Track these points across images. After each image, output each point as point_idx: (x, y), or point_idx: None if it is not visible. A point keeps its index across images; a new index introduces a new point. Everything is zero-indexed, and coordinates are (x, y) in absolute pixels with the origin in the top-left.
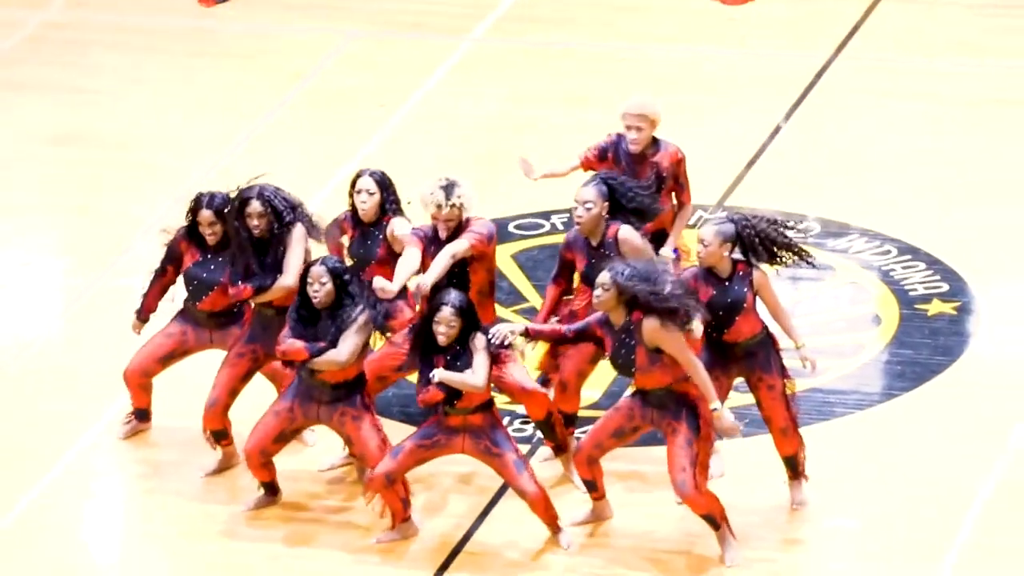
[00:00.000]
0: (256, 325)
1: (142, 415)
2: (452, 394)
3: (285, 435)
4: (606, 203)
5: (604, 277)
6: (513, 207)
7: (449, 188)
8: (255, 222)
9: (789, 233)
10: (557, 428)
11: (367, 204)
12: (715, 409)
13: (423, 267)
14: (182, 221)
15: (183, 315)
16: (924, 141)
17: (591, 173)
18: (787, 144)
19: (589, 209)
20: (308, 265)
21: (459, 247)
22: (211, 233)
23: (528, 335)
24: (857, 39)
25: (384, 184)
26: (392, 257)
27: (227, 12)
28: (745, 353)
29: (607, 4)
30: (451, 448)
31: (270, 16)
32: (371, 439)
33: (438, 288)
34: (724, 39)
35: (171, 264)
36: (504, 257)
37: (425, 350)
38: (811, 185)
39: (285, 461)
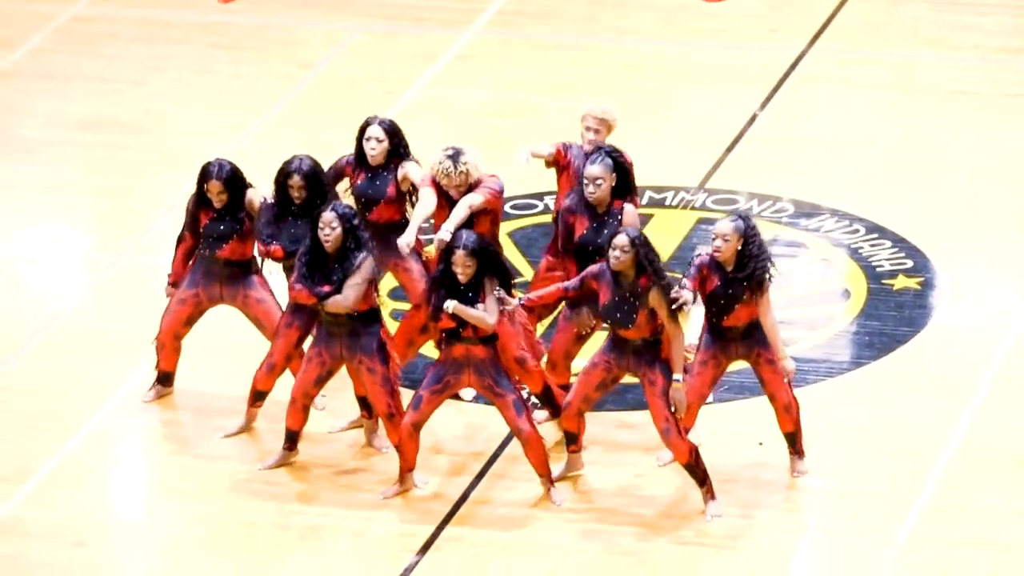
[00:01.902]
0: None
1: (165, 379)
2: (459, 325)
3: (322, 378)
4: (614, 175)
5: (623, 240)
6: (508, 188)
7: (455, 156)
8: (295, 192)
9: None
10: (555, 396)
11: (376, 150)
12: (676, 380)
13: (436, 221)
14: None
15: (192, 274)
16: (889, 127)
17: (598, 150)
18: (762, 131)
19: (600, 185)
20: (319, 211)
21: (475, 200)
22: (218, 200)
23: (530, 306)
24: (828, 33)
25: (392, 132)
26: (400, 197)
27: (242, 7)
28: (743, 333)
29: (593, 0)
30: (460, 383)
31: (282, 11)
32: (381, 393)
33: None
34: (702, 33)
35: (189, 230)
36: (501, 235)
37: (443, 291)
38: (785, 169)
39: (310, 432)
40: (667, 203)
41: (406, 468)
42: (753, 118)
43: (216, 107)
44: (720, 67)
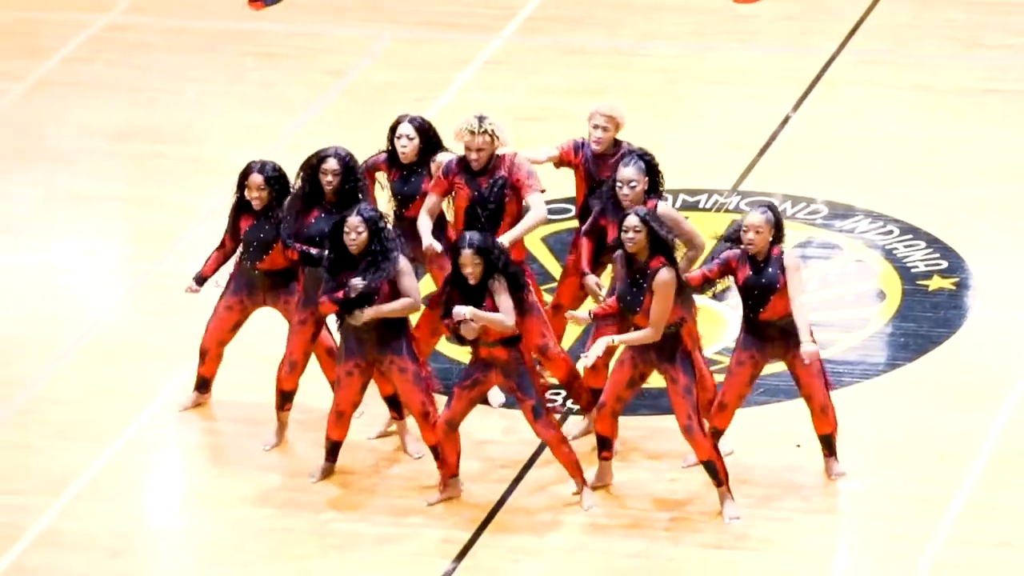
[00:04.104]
0: (309, 288)
1: (204, 385)
2: (462, 338)
3: (365, 385)
4: (647, 178)
5: (633, 220)
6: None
7: (481, 118)
8: (329, 178)
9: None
10: (581, 389)
11: (407, 148)
12: (611, 341)
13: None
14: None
15: (236, 281)
16: (922, 127)
17: (629, 153)
18: (796, 133)
19: (633, 187)
20: (343, 216)
21: (541, 205)
22: (257, 197)
23: (596, 317)
24: (859, 34)
25: (423, 129)
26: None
27: (273, 14)
28: (780, 332)
29: (623, 4)
30: (488, 382)
31: (313, 17)
32: (415, 391)
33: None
34: (733, 36)
35: (230, 234)
36: (534, 240)
37: (458, 293)
38: (818, 170)
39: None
40: (701, 206)
41: (448, 473)
42: (786, 120)
43: (248, 115)
44: (752, 70)
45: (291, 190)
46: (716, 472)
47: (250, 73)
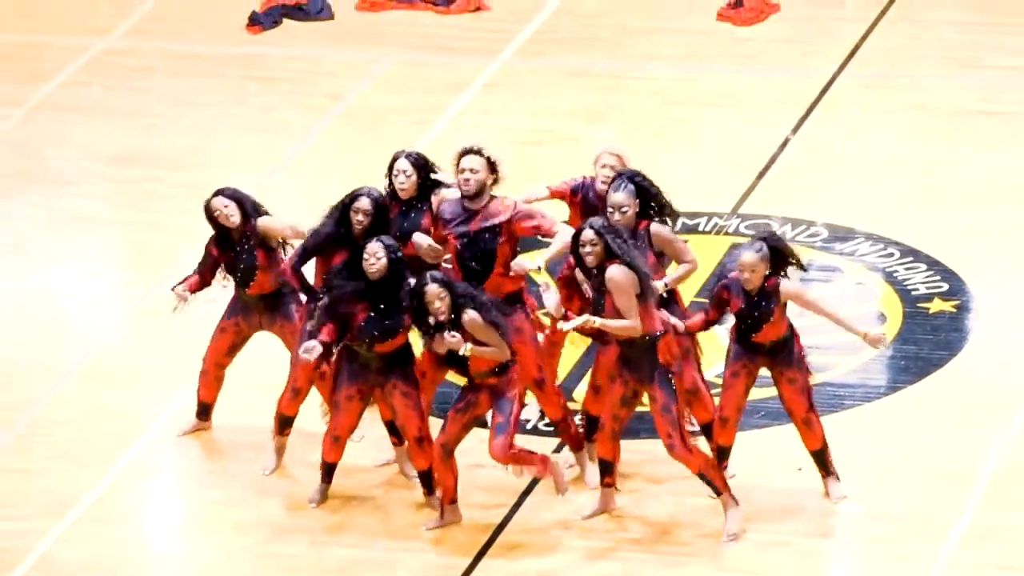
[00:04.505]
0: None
1: (204, 411)
2: (457, 360)
3: (363, 411)
4: (637, 201)
5: (588, 234)
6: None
7: (477, 145)
8: (360, 217)
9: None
10: (571, 428)
11: (405, 184)
12: (592, 321)
13: (437, 238)
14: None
15: (233, 304)
16: (921, 149)
17: (619, 176)
18: (795, 155)
19: (624, 212)
20: (363, 243)
21: (564, 234)
22: (224, 220)
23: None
24: (858, 56)
25: (420, 164)
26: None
27: (272, 38)
28: (770, 349)
29: (620, 26)
30: (480, 406)
31: (311, 42)
32: (413, 416)
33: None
34: (732, 58)
35: (208, 269)
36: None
37: (429, 329)
38: (818, 192)
39: (343, 463)
40: (700, 229)
41: (447, 499)
42: (785, 143)
43: (248, 139)
44: (751, 92)
45: (259, 210)
46: (712, 483)
47: (250, 97)
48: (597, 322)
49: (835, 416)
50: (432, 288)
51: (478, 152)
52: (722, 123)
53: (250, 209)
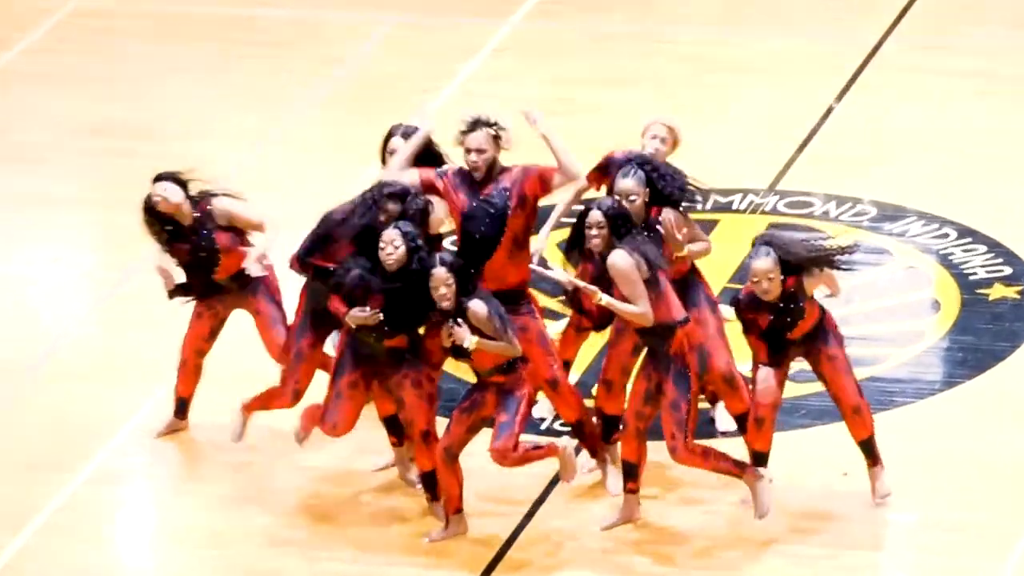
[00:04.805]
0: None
1: (181, 408)
2: (460, 352)
3: (364, 403)
4: (647, 190)
5: (595, 215)
6: (555, 193)
7: (480, 115)
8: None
9: (816, 243)
10: (591, 429)
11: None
12: (599, 298)
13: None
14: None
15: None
16: (979, 119)
17: (628, 162)
18: (839, 125)
19: (633, 201)
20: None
21: (580, 181)
22: (164, 201)
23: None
24: (909, 16)
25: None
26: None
27: None
28: (803, 338)
29: None
30: (486, 405)
31: (307, 2)
32: (423, 409)
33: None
34: (770, 18)
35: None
36: (550, 246)
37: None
38: (865, 167)
39: (328, 463)
40: (734, 207)
41: (451, 508)
42: (828, 112)
43: (235, 109)
44: (791, 56)
45: (207, 193)
46: (731, 471)
47: (235, 63)
48: (603, 299)
49: (884, 415)
50: (439, 272)
51: (483, 127)
52: (758, 91)
53: (197, 191)
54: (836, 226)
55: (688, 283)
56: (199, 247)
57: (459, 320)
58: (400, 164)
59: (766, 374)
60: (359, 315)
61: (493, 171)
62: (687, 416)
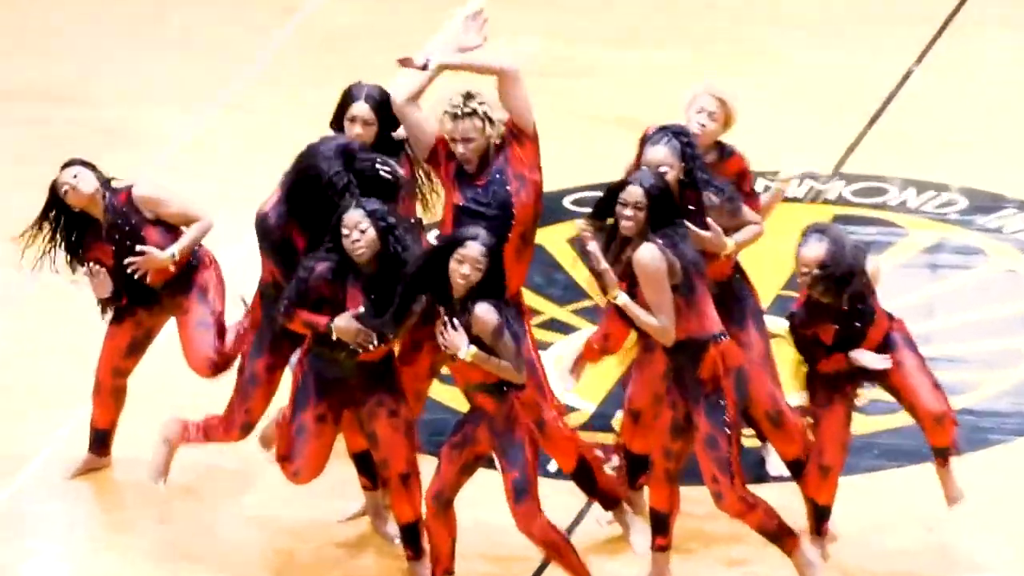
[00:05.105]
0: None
1: (100, 442)
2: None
3: (334, 439)
4: (682, 164)
5: (634, 192)
6: (566, 177)
7: (469, 94)
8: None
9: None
10: (600, 478)
11: (364, 134)
12: (616, 297)
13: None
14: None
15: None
16: None
17: (661, 130)
18: (919, 94)
19: (664, 174)
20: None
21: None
22: (73, 190)
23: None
24: None
25: (382, 105)
26: (413, 179)
27: None
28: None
29: None
30: (478, 442)
31: None
32: (402, 444)
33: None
34: None
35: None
36: (559, 242)
37: (435, 295)
38: (952, 145)
39: (284, 511)
40: (790, 194)
41: (440, 570)
42: (907, 76)
43: (173, 68)
44: (856, 8)
45: (105, 179)
46: (778, 537)
47: (169, 13)
48: (622, 299)
49: (977, 455)
50: (475, 248)
51: (470, 114)
52: (813, 51)
53: (111, 180)
54: (916, 219)
55: (732, 291)
56: (124, 247)
57: (456, 322)
58: (408, 95)
59: (827, 411)
60: (349, 326)
61: (487, 160)
62: (728, 454)
